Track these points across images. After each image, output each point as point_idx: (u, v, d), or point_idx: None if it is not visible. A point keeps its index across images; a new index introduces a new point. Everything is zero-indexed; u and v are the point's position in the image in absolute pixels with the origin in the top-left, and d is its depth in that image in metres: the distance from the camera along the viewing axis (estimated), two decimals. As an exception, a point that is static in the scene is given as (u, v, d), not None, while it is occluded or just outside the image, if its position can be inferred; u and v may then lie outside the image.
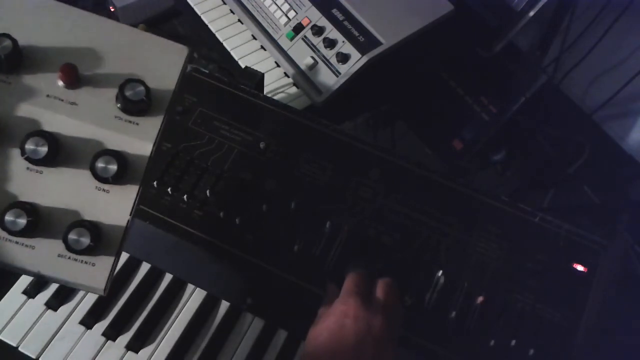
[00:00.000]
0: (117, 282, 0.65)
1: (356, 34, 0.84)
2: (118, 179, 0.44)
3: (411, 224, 0.63)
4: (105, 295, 0.45)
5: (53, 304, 0.63)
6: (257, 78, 0.73)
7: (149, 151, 0.46)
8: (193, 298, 0.65)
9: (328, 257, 0.61)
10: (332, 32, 0.85)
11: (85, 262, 0.44)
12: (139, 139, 0.46)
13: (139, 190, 0.45)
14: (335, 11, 0.86)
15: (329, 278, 0.60)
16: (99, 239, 0.44)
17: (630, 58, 0.91)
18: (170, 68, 0.48)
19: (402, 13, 0.87)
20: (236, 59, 0.89)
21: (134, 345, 0.62)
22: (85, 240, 0.43)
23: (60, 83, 0.46)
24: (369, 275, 0.56)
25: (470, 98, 0.87)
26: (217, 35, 0.91)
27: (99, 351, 0.61)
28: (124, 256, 0.67)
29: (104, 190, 0.45)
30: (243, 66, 0.80)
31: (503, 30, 0.86)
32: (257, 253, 0.61)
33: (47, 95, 0.45)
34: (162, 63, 0.48)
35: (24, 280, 0.65)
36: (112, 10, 0.93)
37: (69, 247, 0.43)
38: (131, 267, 0.67)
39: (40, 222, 0.43)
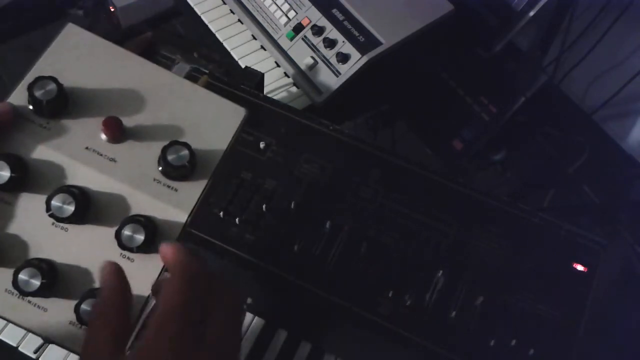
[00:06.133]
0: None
1: (356, 34, 0.84)
2: (144, 249, 0.41)
3: (411, 224, 0.63)
4: None
5: (53, 304, 0.63)
6: (257, 78, 0.73)
7: (183, 221, 0.43)
8: (193, 298, 0.65)
9: (328, 257, 0.61)
10: (332, 32, 0.85)
11: None
12: (174, 207, 0.42)
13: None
14: (335, 11, 0.86)
15: (329, 278, 0.60)
16: None
17: (630, 58, 0.91)
18: (223, 130, 0.45)
19: (402, 13, 0.87)
20: (236, 59, 0.89)
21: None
22: None
23: (103, 136, 0.43)
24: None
25: (470, 98, 0.87)
26: (217, 35, 0.91)
27: (99, 351, 0.61)
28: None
29: (128, 258, 0.42)
30: (243, 66, 0.80)
31: (503, 30, 0.86)
32: (257, 253, 0.61)
33: (86, 148, 0.42)
34: (215, 124, 0.45)
35: (24, 280, 0.65)
36: (112, 10, 0.93)
37: (80, 319, 0.40)
38: (131, 267, 0.66)
39: (56, 283, 0.40)
